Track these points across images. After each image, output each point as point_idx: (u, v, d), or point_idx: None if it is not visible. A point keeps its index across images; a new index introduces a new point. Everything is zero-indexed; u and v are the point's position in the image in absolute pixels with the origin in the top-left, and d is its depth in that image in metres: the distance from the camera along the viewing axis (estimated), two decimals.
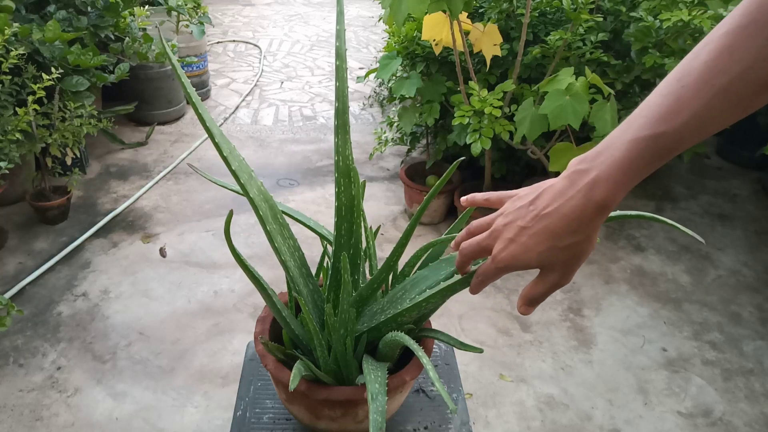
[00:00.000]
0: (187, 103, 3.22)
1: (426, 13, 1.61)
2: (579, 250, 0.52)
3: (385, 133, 2.53)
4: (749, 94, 0.45)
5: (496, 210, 0.61)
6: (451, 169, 0.74)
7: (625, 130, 0.49)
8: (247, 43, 5.20)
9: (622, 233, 2.50)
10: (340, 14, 0.74)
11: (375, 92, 3.88)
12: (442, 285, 0.66)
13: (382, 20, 1.96)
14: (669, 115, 0.46)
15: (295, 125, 3.58)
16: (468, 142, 1.90)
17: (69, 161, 2.41)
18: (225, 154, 0.65)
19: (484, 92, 1.90)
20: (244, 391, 0.95)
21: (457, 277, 0.65)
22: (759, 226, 2.58)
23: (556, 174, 0.61)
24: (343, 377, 0.78)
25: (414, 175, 2.58)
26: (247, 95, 4.00)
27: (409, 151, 2.75)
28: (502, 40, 1.89)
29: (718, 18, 1.67)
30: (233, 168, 0.66)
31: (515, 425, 1.62)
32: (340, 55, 0.74)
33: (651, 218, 0.55)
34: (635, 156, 0.48)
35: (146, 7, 3.19)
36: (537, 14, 2.12)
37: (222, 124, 3.54)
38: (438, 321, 1.97)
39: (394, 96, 2.29)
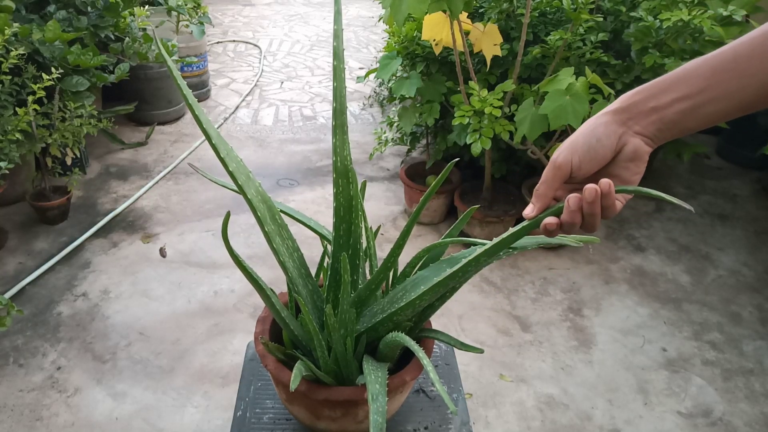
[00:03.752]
0: None
1: (426, 13, 1.61)
2: None
3: (385, 133, 2.53)
4: None
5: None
6: (446, 169, 0.74)
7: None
8: (247, 43, 5.20)
9: (622, 233, 2.50)
10: (338, 14, 0.73)
11: (375, 92, 3.88)
12: (435, 281, 0.66)
13: (382, 20, 1.96)
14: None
15: (295, 125, 3.58)
16: (468, 142, 1.90)
17: (69, 161, 2.41)
18: (222, 156, 0.65)
19: (484, 92, 1.90)
20: (244, 391, 0.95)
21: (449, 271, 0.65)
22: (759, 226, 2.58)
23: None
24: (343, 377, 0.78)
25: (414, 175, 2.58)
26: (247, 95, 4.00)
27: (409, 151, 2.75)
28: (502, 40, 1.88)
29: (718, 18, 1.67)
30: (231, 169, 0.66)
31: (515, 425, 1.61)
32: (338, 55, 0.73)
33: (635, 191, 0.55)
34: None
35: (146, 7, 3.19)
36: (537, 14, 2.12)
37: (222, 124, 3.54)
38: (438, 321, 1.97)
39: (394, 96, 2.29)
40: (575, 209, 0.54)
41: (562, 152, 0.57)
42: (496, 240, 0.61)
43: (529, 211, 0.59)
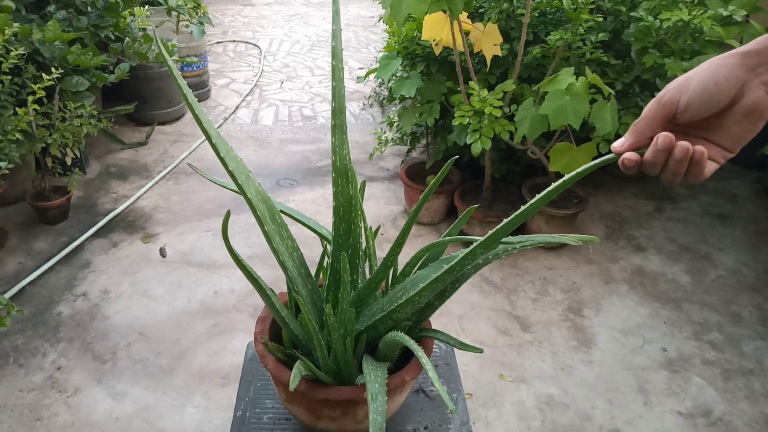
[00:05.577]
0: None
1: (426, 13, 1.61)
2: None
3: (385, 133, 2.53)
4: None
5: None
6: (446, 167, 0.74)
7: None
8: (247, 43, 5.20)
9: (622, 233, 2.50)
10: (336, 14, 0.74)
11: (375, 92, 3.88)
12: (433, 276, 0.66)
13: (382, 20, 1.96)
14: None
15: (295, 125, 3.58)
16: (468, 142, 1.90)
17: (69, 161, 2.41)
18: (222, 155, 0.65)
19: (484, 92, 1.89)
20: (244, 391, 0.95)
21: (445, 267, 0.65)
22: (759, 226, 2.58)
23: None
24: (342, 377, 0.78)
25: (414, 175, 2.58)
26: (247, 95, 4.00)
27: (409, 151, 2.75)
28: (502, 40, 1.88)
29: (718, 18, 1.67)
30: (230, 169, 0.66)
31: (515, 425, 1.61)
32: (336, 55, 0.74)
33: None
34: None
35: (146, 7, 3.19)
36: (537, 14, 2.12)
37: (222, 124, 3.54)
38: (438, 321, 1.97)
39: (394, 96, 2.28)
40: (662, 149, 0.50)
41: (670, 90, 0.51)
42: (490, 233, 0.61)
43: (618, 144, 0.54)
